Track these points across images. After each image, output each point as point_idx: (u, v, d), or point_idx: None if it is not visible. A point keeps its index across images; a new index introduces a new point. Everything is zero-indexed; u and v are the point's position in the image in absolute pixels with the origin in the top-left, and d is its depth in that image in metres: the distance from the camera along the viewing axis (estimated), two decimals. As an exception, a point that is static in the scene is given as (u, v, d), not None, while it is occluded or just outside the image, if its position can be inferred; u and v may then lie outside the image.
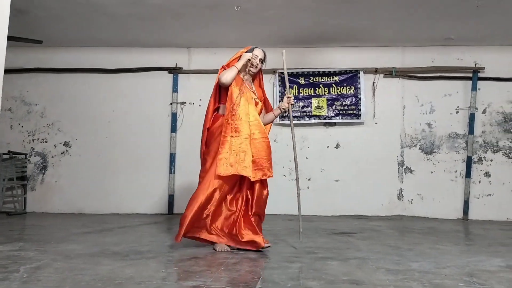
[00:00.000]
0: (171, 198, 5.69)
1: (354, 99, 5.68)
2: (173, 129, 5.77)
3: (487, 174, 5.48)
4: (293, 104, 3.43)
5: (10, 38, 3.35)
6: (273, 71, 5.74)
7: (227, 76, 3.15)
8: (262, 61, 3.31)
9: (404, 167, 5.63)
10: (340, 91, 5.72)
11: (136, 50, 5.89)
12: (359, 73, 5.67)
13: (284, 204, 5.63)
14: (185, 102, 5.82)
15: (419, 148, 5.62)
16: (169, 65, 5.86)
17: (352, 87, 5.70)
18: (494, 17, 4.62)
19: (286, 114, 3.49)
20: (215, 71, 5.83)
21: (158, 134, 5.79)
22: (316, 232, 4.12)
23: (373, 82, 5.67)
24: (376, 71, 5.64)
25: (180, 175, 5.73)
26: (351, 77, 5.71)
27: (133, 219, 5.03)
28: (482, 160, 5.50)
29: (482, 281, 2.33)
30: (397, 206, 5.59)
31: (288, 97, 3.36)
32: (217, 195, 3.13)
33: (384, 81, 5.67)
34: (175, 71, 5.84)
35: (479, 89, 5.46)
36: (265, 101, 3.45)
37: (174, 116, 5.79)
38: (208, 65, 5.82)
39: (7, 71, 3.15)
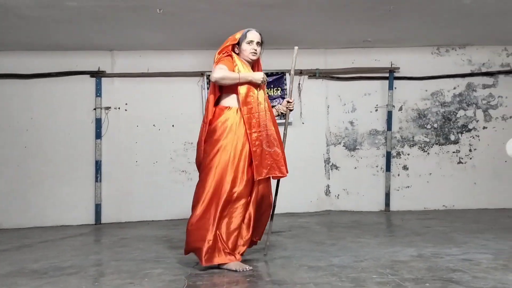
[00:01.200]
0: (98, 207, 5.48)
1: (281, 100, 5.80)
2: (98, 135, 5.56)
3: (405, 168, 5.85)
4: (292, 110, 3.13)
5: None
6: (201, 74, 5.72)
7: (224, 80, 2.76)
8: (260, 44, 2.94)
9: (330, 164, 5.86)
10: (267, 93, 5.81)
11: (54, 54, 5.60)
12: (285, 75, 5.81)
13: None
14: (109, 107, 5.63)
15: (343, 145, 5.87)
16: (91, 68, 5.63)
17: (279, 88, 5.82)
18: (406, 20, 4.93)
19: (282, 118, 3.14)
20: (140, 74, 5.74)
21: (82, 141, 5.55)
22: (246, 233, 4.17)
23: (299, 83, 5.83)
24: (301, 72, 5.81)
25: (108, 183, 5.54)
26: (277, 79, 5.83)
27: (57, 232, 4.79)
28: (400, 155, 5.86)
29: (394, 272, 2.50)
30: (325, 201, 5.81)
31: (288, 102, 3.07)
32: (241, 203, 2.74)
33: (309, 82, 5.86)
34: (97, 75, 5.63)
35: (395, 88, 5.81)
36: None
37: (98, 122, 5.58)
38: (133, 68, 5.68)
39: None
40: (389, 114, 5.79)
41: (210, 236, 2.60)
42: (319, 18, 4.84)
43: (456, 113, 5.85)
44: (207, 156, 2.78)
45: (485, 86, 5.85)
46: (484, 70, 5.84)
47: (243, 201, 2.71)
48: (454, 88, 5.85)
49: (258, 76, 2.82)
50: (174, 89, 5.72)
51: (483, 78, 5.85)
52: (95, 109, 5.59)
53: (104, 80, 5.64)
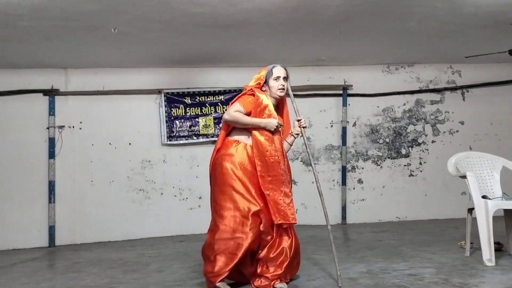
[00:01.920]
0: (52, 229, 5.33)
1: (239, 117, 5.87)
2: (51, 155, 5.42)
3: (360, 181, 6.03)
4: (305, 127, 3.00)
5: None
6: (158, 91, 5.71)
7: (234, 123, 2.78)
8: (286, 79, 2.89)
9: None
10: (226, 110, 5.87)
11: (5, 72, 5.44)
12: (242, 92, 5.89)
13: (174, 225, 5.61)
14: (63, 126, 5.51)
15: (301, 161, 6.00)
16: (44, 87, 5.51)
17: (237, 105, 5.89)
18: (356, 40, 5.13)
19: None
20: (96, 92, 5.65)
21: (34, 161, 5.39)
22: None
23: (256, 100, 5.92)
24: (257, 89, 5.90)
25: (62, 204, 5.40)
26: (235, 96, 5.87)
27: (8, 257, 4.62)
28: (355, 169, 6.04)
29: (343, 290, 2.58)
30: (284, 217, 5.88)
31: (298, 120, 2.94)
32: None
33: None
34: (51, 93, 5.50)
35: (349, 104, 6.00)
36: (286, 126, 2.98)
37: (52, 141, 5.44)
38: (88, 86, 5.60)
39: None
40: (344, 130, 5.97)
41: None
42: (274, 38, 4.96)
43: (407, 128, 6.11)
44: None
45: (432, 102, 6.14)
46: (431, 87, 6.14)
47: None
48: (404, 104, 6.11)
49: (272, 124, 2.75)
50: (130, 107, 5.67)
51: (430, 95, 6.14)
52: (48, 128, 5.45)
53: (57, 98, 5.53)
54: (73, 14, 4.08)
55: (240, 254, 2.57)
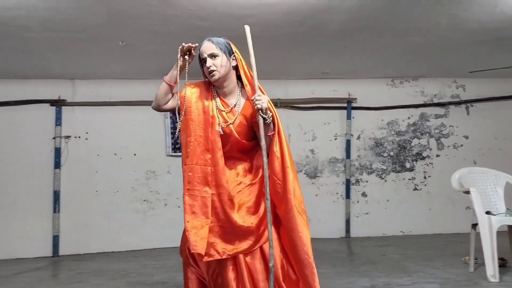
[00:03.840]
0: (56, 239, 5.34)
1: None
2: (57, 165, 5.46)
3: (364, 194, 6.02)
4: (261, 109, 2.10)
5: None
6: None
7: (156, 97, 2.30)
8: (214, 56, 2.19)
9: (292, 191, 5.95)
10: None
11: (13, 82, 5.50)
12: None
13: (178, 236, 5.59)
14: (70, 136, 5.56)
15: (304, 173, 6.00)
16: (51, 97, 5.56)
17: (241, 117, 5.93)
18: (361, 54, 5.16)
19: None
20: (102, 103, 5.70)
21: (40, 171, 5.42)
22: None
23: (260, 113, 5.95)
24: (262, 102, 5.93)
25: (66, 214, 5.42)
26: (239, 108, 5.93)
27: (11, 266, 4.63)
28: (359, 182, 6.04)
29: (346, 305, 2.58)
30: (287, 229, 5.87)
31: (252, 99, 2.11)
32: None
33: (270, 111, 5.98)
34: (57, 103, 5.56)
35: (353, 117, 6.02)
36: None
37: (57, 151, 5.48)
38: (94, 97, 5.65)
39: None
40: (348, 143, 5.98)
41: None
42: (278, 51, 5.01)
43: (411, 142, 6.11)
44: None
45: (437, 116, 6.15)
46: (436, 101, 6.15)
47: None
48: (409, 118, 6.12)
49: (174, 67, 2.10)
50: (136, 117, 5.71)
51: (435, 109, 6.15)
52: (54, 138, 5.50)
53: (64, 108, 5.58)
54: (80, 26, 4.14)
55: None
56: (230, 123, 2.13)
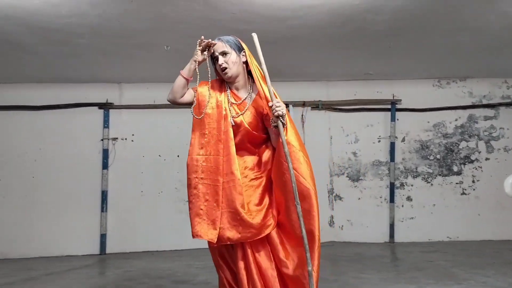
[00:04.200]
0: (103, 237, 5.53)
1: (284, 131, 5.89)
2: (105, 165, 5.66)
3: (409, 198, 5.86)
4: (281, 116, 2.14)
5: None
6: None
7: (172, 90, 2.39)
8: (226, 54, 2.29)
9: (334, 194, 5.89)
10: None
11: (64, 86, 5.76)
12: (289, 106, 5.91)
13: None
14: (117, 138, 5.74)
15: (347, 176, 5.92)
16: (100, 100, 5.78)
17: (283, 119, 5.91)
18: (405, 55, 5.04)
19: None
20: (147, 106, 5.86)
21: (88, 171, 5.64)
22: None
23: (302, 115, 5.92)
24: (304, 104, 5.91)
25: (113, 213, 5.60)
26: (281, 110, 5.92)
27: (62, 263, 4.83)
28: (404, 185, 5.88)
29: (393, 313, 2.52)
30: (329, 232, 5.82)
31: (270, 107, 2.16)
32: None
33: (312, 114, 5.95)
34: (105, 106, 5.77)
35: (397, 119, 5.88)
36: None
37: (105, 153, 5.69)
38: (140, 100, 5.81)
39: None
40: (392, 145, 5.84)
41: None
42: (320, 53, 4.97)
43: (459, 145, 5.89)
44: None
45: (486, 118, 5.90)
46: (485, 102, 5.91)
47: None
48: (456, 120, 5.91)
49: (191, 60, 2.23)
50: (180, 120, 5.81)
51: (484, 110, 5.90)
52: (102, 140, 5.70)
53: (112, 111, 5.78)
54: (128, 32, 4.28)
55: None
56: (241, 114, 2.28)
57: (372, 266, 4.04)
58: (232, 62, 2.26)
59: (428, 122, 5.91)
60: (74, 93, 5.75)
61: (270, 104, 2.15)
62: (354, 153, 5.93)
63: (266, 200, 2.27)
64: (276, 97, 2.20)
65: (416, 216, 5.82)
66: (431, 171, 5.88)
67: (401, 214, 5.84)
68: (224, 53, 2.27)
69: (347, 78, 5.91)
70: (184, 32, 4.31)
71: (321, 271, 3.86)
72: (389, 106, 5.89)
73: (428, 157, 5.90)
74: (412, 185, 5.88)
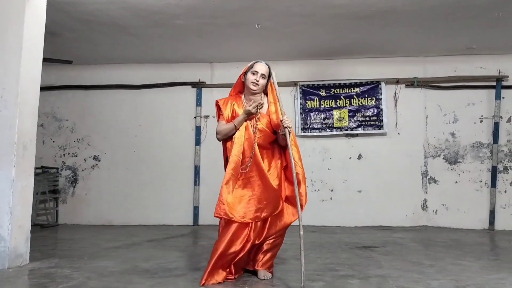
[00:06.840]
0: (196, 209, 5.84)
1: (375, 110, 5.69)
2: (197, 142, 5.92)
3: (513, 184, 5.40)
4: (289, 127, 2.74)
5: (42, 60, 3.55)
6: (294, 84, 5.83)
7: (224, 133, 2.87)
8: (266, 77, 2.88)
9: (428, 177, 5.61)
10: (361, 102, 5.75)
11: (160, 66, 6.08)
12: (380, 84, 5.69)
13: (306, 216, 5.67)
14: (208, 116, 5.96)
15: (443, 158, 5.59)
16: (193, 79, 6.02)
17: (374, 98, 5.72)
18: (516, 26, 4.58)
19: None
20: (237, 85, 5.99)
21: (183, 147, 5.95)
22: (339, 247, 4.17)
23: (395, 93, 5.67)
24: (397, 81, 5.64)
25: (205, 187, 5.87)
26: (372, 88, 5.73)
27: (160, 231, 5.19)
28: (508, 170, 5.42)
29: (501, 303, 2.35)
30: (422, 216, 5.57)
31: (281, 121, 2.76)
32: None
33: (406, 92, 5.67)
34: (198, 85, 5.99)
35: (503, 97, 5.39)
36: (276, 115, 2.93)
37: (198, 130, 5.94)
38: (230, 79, 5.90)
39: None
40: (496, 126, 5.39)
41: None
42: (419, 26, 4.68)
43: None
44: None
45: None
46: None
47: None
48: None
49: (247, 111, 2.79)
50: (268, 98, 5.87)
51: None
52: (195, 117, 5.95)
53: (204, 90, 5.99)
54: (222, 11, 4.38)
55: None
56: (259, 121, 2.91)
57: (471, 253, 3.80)
58: (262, 84, 2.90)
59: (540, 100, 5.35)
60: (170, 72, 6.05)
61: (281, 118, 2.79)
62: (452, 134, 5.56)
63: (282, 179, 2.97)
64: (285, 113, 2.82)
65: (522, 203, 5.36)
66: (541, 154, 5.34)
67: (503, 200, 5.41)
68: (263, 76, 2.88)
69: (446, 53, 5.52)
70: (276, 10, 4.30)
71: (413, 254, 3.74)
72: (494, 83, 5.42)
73: (539, 139, 5.36)
74: (518, 170, 5.40)
